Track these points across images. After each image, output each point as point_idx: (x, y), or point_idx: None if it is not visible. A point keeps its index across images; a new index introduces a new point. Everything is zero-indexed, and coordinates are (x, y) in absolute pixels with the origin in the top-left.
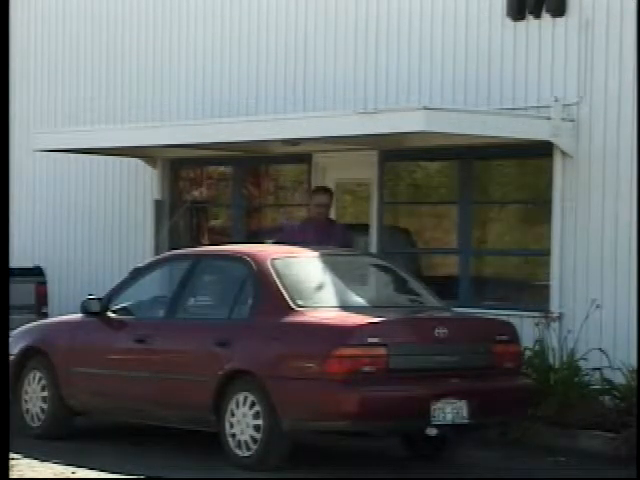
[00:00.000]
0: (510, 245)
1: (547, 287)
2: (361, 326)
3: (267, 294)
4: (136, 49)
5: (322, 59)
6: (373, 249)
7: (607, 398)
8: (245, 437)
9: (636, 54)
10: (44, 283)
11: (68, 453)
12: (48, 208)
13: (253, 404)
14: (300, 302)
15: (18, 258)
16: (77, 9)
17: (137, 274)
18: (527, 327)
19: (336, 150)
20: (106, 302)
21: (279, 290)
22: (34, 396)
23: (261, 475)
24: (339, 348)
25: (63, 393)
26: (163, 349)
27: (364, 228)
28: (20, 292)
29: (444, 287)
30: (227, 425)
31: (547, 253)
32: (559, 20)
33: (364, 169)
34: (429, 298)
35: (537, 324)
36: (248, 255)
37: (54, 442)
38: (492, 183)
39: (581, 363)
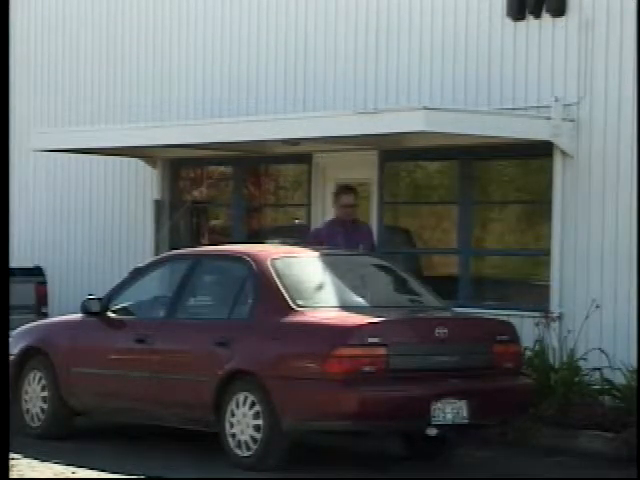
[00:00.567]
0: (510, 245)
1: (547, 287)
2: (361, 326)
3: (267, 294)
4: (136, 49)
5: (322, 59)
6: None
7: (607, 398)
8: (245, 437)
9: (636, 54)
10: (44, 283)
11: (68, 453)
12: (48, 208)
13: (253, 404)
14: (300, 302)
15: (18, 258)
16: (77, 9)
17: (137, 274)
18: (527, 327)
19: (336, 150)
20: (106, 302)
21: (279, 290)
22: (34, 396)
23: (261, 475)
24: (339, 348)
25: (63, 393)
26: (163, 349)
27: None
28: (20, 292)
29: (444, 287)
30: (227, 425)
31: (547, 253)
32: (559, 20)
33: (364, 169)
34: (429, 298)
35: (537, 324)
36: (248, 255)
37: (54, 442)
38: (492, 183)
39: (581, 363)
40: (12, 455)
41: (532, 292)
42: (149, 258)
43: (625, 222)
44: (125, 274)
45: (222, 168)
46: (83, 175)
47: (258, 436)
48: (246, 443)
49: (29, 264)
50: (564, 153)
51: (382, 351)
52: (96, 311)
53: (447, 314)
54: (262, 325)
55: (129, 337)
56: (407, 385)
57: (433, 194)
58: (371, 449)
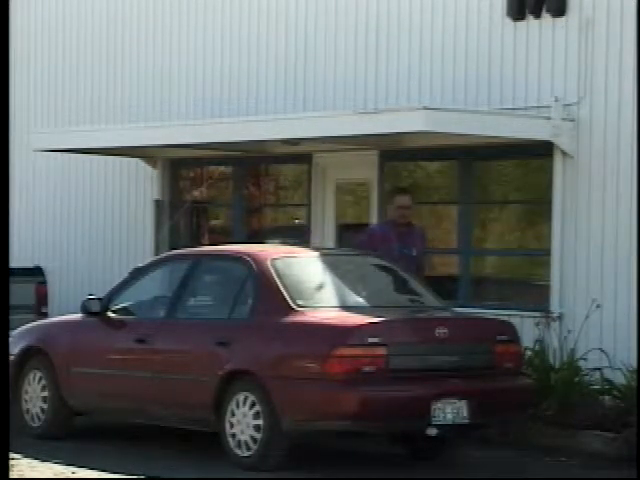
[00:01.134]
0: (510, 245)
1: (547, 287)
2: (361, 326)
3: (267, 294)
4: (136, 49)
5: (322, 59)
6: None
7: (607, 398)
8: (245, 437)
9: (636, 54)
10: (44, 283)
11: (68, 453)
12: (48, 208)
13: (253, 404)
14: (300, 302)
15: (18, 258)
16: (77, 9)
17: (137, 274)
18: (527, 327)
19: (336, 150)
20: (106, 302)
21: (279, 290)
22: (34, 396)
23: (261, 475)
24: (339, 348)
25: (63, 393)
26: (163, 349)
27: (364, 228)
28: (20, 292)
29: (444, 287)
30: (227, 425)
31: (547, 253)
32: (559, 20)
33: (364, 169)
34: (429, 298)
35: (537, 324)
36: (248, 255)
37: (54, 442)
38: (492, 183)
39: (581, 363)
40: (12, 455)
41: (532, 292)
42: (149, 258)
43: (625, 222)
44: (125, 274)
45: (222, 168)
46: (83, 175)
47: (258, 436)
48: (246, 443)
49: (29, 264)
50: (564, 153)
51: (382, 351)
52: (96, 311)
53: (447, 314)
54: (262, 325)
55: (129, 337)
56: (407, 385)
57: (433, 194)
58: (371, 449)
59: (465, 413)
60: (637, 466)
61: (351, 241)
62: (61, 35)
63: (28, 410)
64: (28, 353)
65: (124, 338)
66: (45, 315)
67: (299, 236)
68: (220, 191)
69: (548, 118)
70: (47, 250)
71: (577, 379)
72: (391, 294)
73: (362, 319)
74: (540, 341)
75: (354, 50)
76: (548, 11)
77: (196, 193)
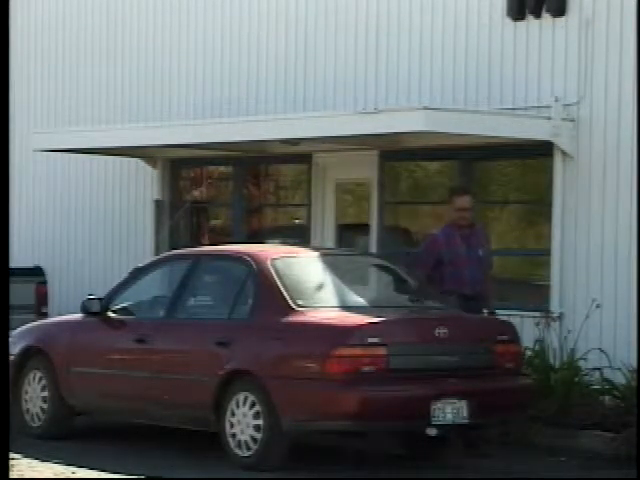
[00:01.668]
0: (510, 245)
1: (547, 287)
2: (361, 326)
3: (267, 294)
4: (136, 49)
5: (322, 59)
6: (373, 249)
7: (607, 398)
8: (245, 437)
9: (636, 54)
10: (44, 283)
11: (68, 453)
12: (48, 208)
13: (253, 404)
14: (300, 302)
15: (18, 258)
16: (77, 9)
17: (137, 274)
18: (527, 327)
19: (336, 150)
20: (106, 302)
21: (279, 290)
22: (34, 396)
23: (261, 475)
24: (339, 348)
25: (63, 393)
26: (163, 349)
27: (364, 228)
28: (20, 292)
29: None
30: (227, 425)
31: (547, 253)
32: (559, 20)
33: (364, 169)
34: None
35: (537, 324)
36: (248, 255)
37: (54, 442)
38: (492, 183)
39: (581, 363)
40: (12, 455)
41: (532, 292)
42: (149, 258)
43: (625, 222)
44: (125, 274)
45: (222, 168)
46: (83, 175)
47: (258, 436)
48: (246, 443)
49: (29, 264)
50: (564, 153)
51: (382, 351)
52: (96, 311)
53: (447, 314)
54: (262, 325)
55: (129, 337)
56: (407, 385)
57: (433, 194)
58: (371, 449)
59: (465, 413)
60: (637, 466)
61: (351, 241)
62: (61, 35)
63: (28, 410)
64: (28, 353)
65: (124, 338)
66: (45, 315)
67: (299, 236)
68: (220, 191)
69: (548, 118)
70: (47, 250)
71: (577, 379)
72: (391, 294)
73: (362, 319)
74: (540, 341)
75: (354, 50)
76: (548, 11)
77: (196, 193)
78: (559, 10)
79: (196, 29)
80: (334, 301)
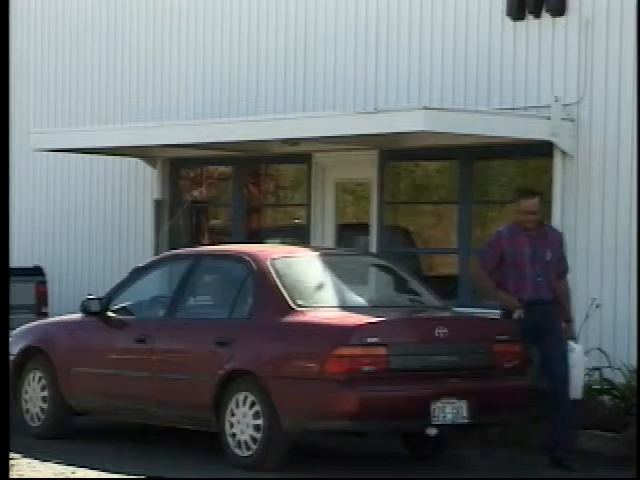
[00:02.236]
0: None
1: None
2: (361, 326)
3: (267, 294)
4: (136, 49)
5: (322, 59)
6: (373, 249)
7: (607, 398)
8: (245, 437)
9: (636, 54)
10: (44, 283)
11: (68, 453)
12: (48, 208)
13: (253, 404)
14: (300, 302)
15: (18, 258)
16: (77, 9)
17: (137, 274)
18: None
19: (336, 150)
20: (106, 302)
21: (279, 290)
22: (34, 396)
23: (261, 475)
24: (339, 348)
25: (63, 393)
26: (163, 349)
27: (364, 228)
28: (20, 292)
29: (444, 287)
30: (227, 425)
31: None
32: (559, 20)
33: (364, 169)
34: (429, 298)
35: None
36: (248, 255)
37: (54, 442)
38: (492, 183)
39: None
40: (12, 455)
41: None
42: (149, 258)
43: (625, 222)
44: (125, 274)
45: (222, 168)
46: (83, 175)
47: (258, 436)
48: (246, 443)
49: (29, 264)
50: (564, 153)
51: (382, 351)
52: (96, 311)
53: (447, 314)
54: (262, 325)
55: (129, 337)
56: (407, 385)
57: (433, 194)
58: (371, 449)
59: (465, 413)
60: (637, 466)
61: (351, 241)
62: (61, 35)
63: (28, 410)
64: (28, 353)
65: (124, 338)
66: (45, 315)
67: (299, 236)
68: (220, 191)
69: (548, 118)
70: (47, 250)
71: None
72: (391, 294)
73: (362, 319)
74: None
75: (354, 50)
76: (548, 11)
77: (196, 193)
78: (559, 10)
79: (196, 29)
80: (334, 301)
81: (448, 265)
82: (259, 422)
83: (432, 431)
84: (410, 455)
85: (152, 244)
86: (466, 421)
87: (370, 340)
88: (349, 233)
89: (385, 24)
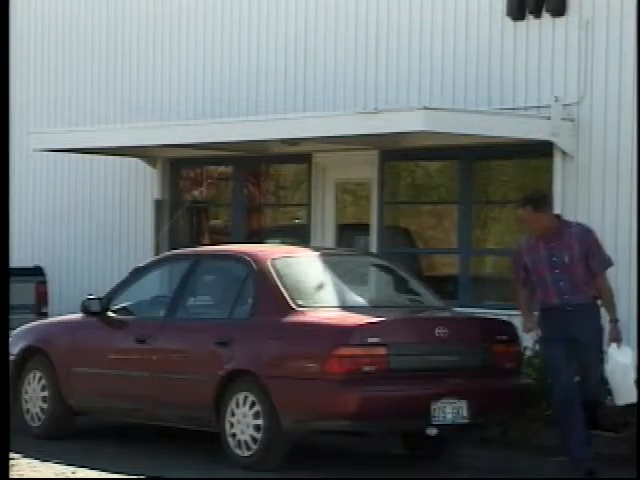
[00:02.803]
0: (510, 245)
1: None
2: (361, 326)
3: (267, 294)
4: (136, 49)
5: (322, 59)
6: (373, 249)
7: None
8: (245, 437)
9: (636, 54)
10: (44, 283)
11: (68, 453)
12: (48, 208)
13: (253, 404)
14: (300, 302)
15: (18, 258)
16: (77, 9)
17: (137, 274)
18: None
19: (336, 150)
20: (106, 302)
21: (279, 290)
22: (34, 396)
23: (261, 475)
24: (339, 348)
25: (63, 393)
26: (163, 349)
27: (364, 228)
28: (20, 292)
29: (444, 287)
30: (227, 425)
31: None
32: (559, 20)
33: (364, 169)
34: (429, 298)
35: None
36: (248, 255)
37: (54, 442)
38: (492, 183)
39: None
40: (12, 455)
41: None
42: (149, 258)
43: (625, 222)
44: (125, 274)
45: (222, 168)
46: (83, 175)
47: (258, 436)
48: (246, 443)
49: (29, 264)
50: (564, 153)
51: (382, 351)
52: (96, 311)
53: (447, 314)
54: (262, 325)
55: (129, 337)
56: (407, 385)
57: (433, 194)
58: (371, 449)
59: (465, 413)
60: (637, 466)
61: (351, 241)
62: (61, 35)
63: (28, 410)
64: (28, 353)
65: (124, 338)
66: (45, 315)
67: (299, 236)
68: (220, 191)
69: (548, 118)
70: (47, 250)
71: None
72: (391, 294)
73: (362, 319)
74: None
75: (354, 50)
76: (548, 11)
77: (196, 193)
78: (559, 10)
79: (196, 29)
80: (334, 301)
81: (448, 265)
82: (259, 422)
83: (432, 431)
84: (410, 455)
85: (152, 244)
86: (466, 421)
87: (370, 340)
88: (349, 233)
89: (385, 24)
